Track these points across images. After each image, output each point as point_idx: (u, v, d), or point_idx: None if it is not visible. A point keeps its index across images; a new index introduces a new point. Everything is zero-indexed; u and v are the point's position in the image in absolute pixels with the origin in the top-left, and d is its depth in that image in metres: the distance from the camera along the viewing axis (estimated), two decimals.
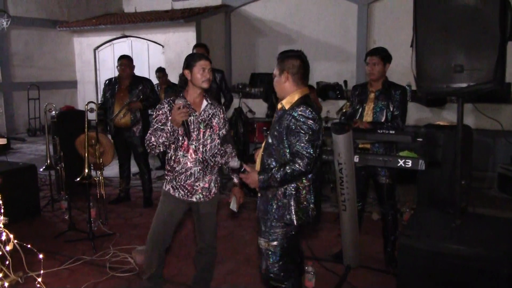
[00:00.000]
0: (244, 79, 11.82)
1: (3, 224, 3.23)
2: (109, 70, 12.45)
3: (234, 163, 2.75)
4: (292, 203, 2.62)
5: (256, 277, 3.79)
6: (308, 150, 2.50)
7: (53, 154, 5.69)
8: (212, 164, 3.09)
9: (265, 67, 11.67)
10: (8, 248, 3.22)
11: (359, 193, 3.77)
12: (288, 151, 2.58)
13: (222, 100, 5.65)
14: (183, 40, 11.34)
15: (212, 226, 3.29)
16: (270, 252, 2.71)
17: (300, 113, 2.52)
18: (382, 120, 3.73)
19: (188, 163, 3.02)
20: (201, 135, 3.02)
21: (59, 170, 5.46)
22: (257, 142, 6.81)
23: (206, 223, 3.24)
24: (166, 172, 3.14)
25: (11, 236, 3.24)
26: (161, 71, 7.71)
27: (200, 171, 3.04)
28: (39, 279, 3.48)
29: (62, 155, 5.36)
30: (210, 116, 3.06)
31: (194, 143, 3.00)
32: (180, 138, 2.99)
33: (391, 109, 3.72)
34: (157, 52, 11.85)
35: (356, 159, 3.54)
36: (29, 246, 3.44)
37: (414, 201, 5.11)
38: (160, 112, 3.01)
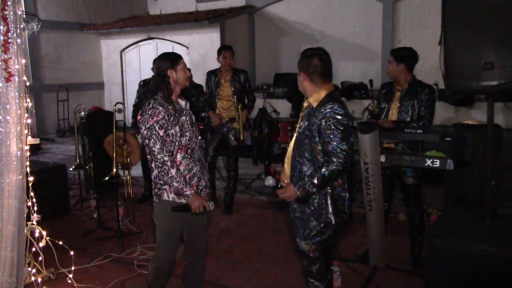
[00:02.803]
0: (268, 79, 11.84)
1: (36, 221, 3.35)
2: (135, 71, 12.67)
3: (270, 181, 2.59)
4: (329, 202, 2.59)
5: (281, 277, 3.79)
6: (343, 147, 2.46)
7: (82, 154, 5.83)
8: (203, 161, 3.06)
9: (289, 67, 11.64)
10: (41, 244, 3.33)
11: (385, 193, 3.73)
12: (320, 149, 2.54)
13: (246, 101, 5.68)
14: (207, 41, 11.43)
15: (205, 230, 3.18)
16: (311, 254, 2.70)
17: (329, 109, 2.49)
18: (407, 120, 3.68)
19: (190, 163, 2.93)
20: (193, 134, 2.97)
21: (88, 170, 5.58)
22: (281, 142, 6.80)
23: (200, 226, 3.10)
24: (161, 181, 2.88)
25: (44, 233, 3.35)
26: (188, 71, 7.80)
27: (200, 170, 3.00)
28: (70, 275, 3.59)
29: (90, 155, 5.48)
30: (191, 114, 3.03)
31: (190, 143, 2.93)
32: (177, 140, 2.86)
33: (417, 109, 3.66)
34: (182, 53, 11.87)
35: (382, 158, 3.51)
36: (60, 243, 3.56)
37: (441, 202, 5.03)
38: (160, 116, 2.78)
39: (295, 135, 2.74)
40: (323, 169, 2.47)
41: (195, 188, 2.91)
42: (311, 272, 2.76)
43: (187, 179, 2.87)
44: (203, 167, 3.03)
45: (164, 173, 2.79)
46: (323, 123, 2.50)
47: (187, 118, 2.95)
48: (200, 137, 3.07)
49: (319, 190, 2.54)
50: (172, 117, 2.82)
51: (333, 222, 2.59)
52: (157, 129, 2.76)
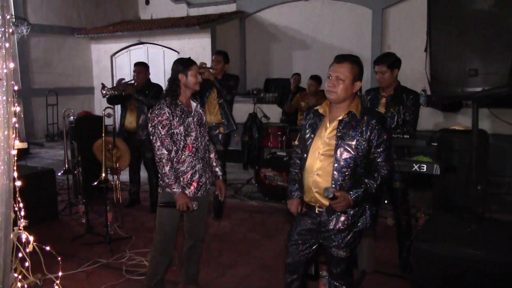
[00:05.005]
0: (259, 85, 11.86)
1: (23, 226, 3.31)
2: (125, 76, 12.49)
3: (329, 192, 2.40)
4: (367, 207, 2.63)
5: (271, 282, 3.79)
6: (392, 156, 2.55)
7: (71, 158, 5.79)
8: (206, 159, 3.31)
9: (280, 72, 11.69)
10: (27, 250, 3.29)
11: (373, 198, 3.74)
12: (362, 157, 2.51)
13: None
14: (198, 46, 11.44)
15: (205, 217, 3.49)
16: (345, 258, 2.67)
17: (380, 121, 2.53)
18: (393, 126, 3.72)
19: (193, 161, 3.18)
20: (199, 134, 3.22)
21: (76, 175, 5.55)
22: (272, 147, 6.80)
23: (201, 216, 3.38)
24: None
25: (31, 238, 3.32)
26: None
27: (203, 168, 3.25)
28: (58, 281, 3.55)
29: (79, 159, 5.44)
30: (200, 115, 3.29)
31: (195, 142, 3.18)
32: (182, 139, 3.13)
33: (402, 115, 3.70)
34: (173, 59, 11.85)
35: None
36: (48, 248, 3.52)
37: (429, 206, 5.08)
38: (164, 117, 3.08)
39: (322, 146, 2.58)
40: (379, 177, 2.50)
41: (195, 185, 3.20)
42: (338, 275, 2.74)
43: (189, 176, 3.17)
44: (206, 165, 3.29)
45: (160, 168, 3.09)
46: (379, 132, 2.50)
47: (195, 119, 3.22)
48: (207, 138, 3.33)
49: (373, 195, 2.54)
50: (177, 118, 3.11)
51: (372, 226, 2.70)
52: (159, 128, 3.07)
